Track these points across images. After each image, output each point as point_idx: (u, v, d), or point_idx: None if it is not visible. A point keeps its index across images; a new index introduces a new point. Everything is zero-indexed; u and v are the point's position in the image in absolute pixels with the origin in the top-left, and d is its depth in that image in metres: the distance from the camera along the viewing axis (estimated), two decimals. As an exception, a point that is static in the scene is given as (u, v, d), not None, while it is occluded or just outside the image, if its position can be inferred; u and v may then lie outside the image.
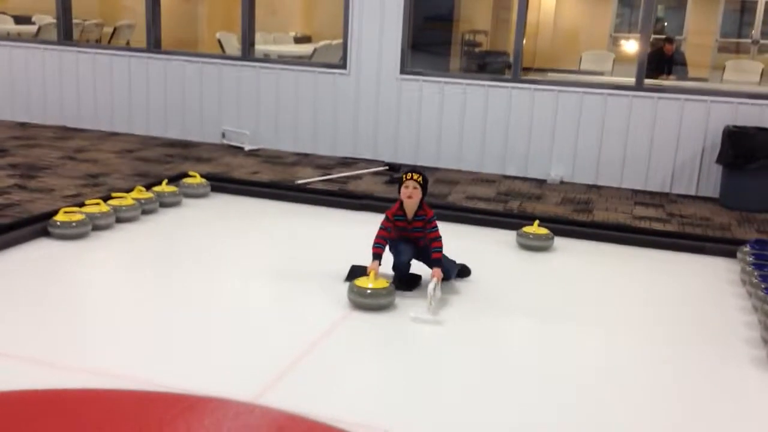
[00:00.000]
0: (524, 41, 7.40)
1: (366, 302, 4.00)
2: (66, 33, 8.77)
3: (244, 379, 3.24)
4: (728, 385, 3.51)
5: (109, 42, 11.76)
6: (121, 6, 13.63)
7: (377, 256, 4.15)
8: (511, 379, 3.47)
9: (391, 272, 4.34)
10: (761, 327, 3.94)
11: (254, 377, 3.25)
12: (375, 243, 4.19)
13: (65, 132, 8.36)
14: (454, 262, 4.40)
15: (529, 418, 3.10)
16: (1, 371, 3.21)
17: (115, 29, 12.04)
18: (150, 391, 3.10)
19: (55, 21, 9.20)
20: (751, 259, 4.86)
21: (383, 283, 4.04)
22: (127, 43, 11.83)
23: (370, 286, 4.00)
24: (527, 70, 9.97)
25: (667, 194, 6.87)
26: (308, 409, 3.00)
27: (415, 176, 4.24)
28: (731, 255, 5.20)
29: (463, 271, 4.49)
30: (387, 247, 4.34)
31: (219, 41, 10.22)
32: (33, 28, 10.63)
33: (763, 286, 4.35)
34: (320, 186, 6.55)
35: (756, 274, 4.58)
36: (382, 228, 4.26)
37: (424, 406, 3.15)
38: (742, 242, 5.25)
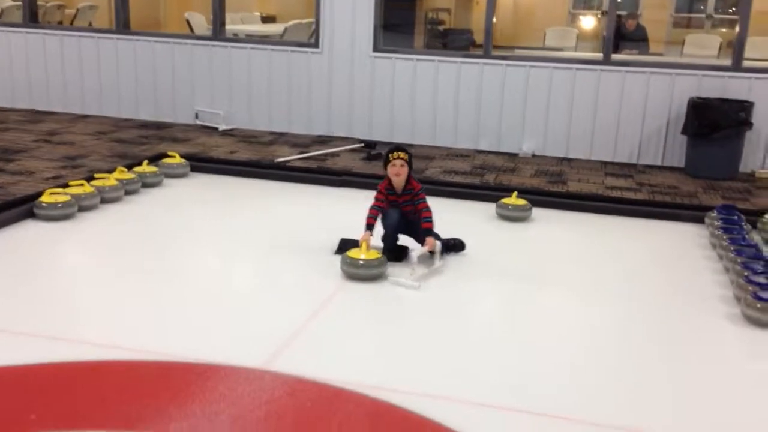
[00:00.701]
0: (484, 19, 7.52)
1: (359, 273, 4.13)
2: (31, 15, 8.64)
3: (251, 348, 3.35)
4: (708, 339, 3.73)
5: (71, 23, 11.56)
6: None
7: (370, 226, 4.29)
8: (494, 340, 3.66)
9: (380, 244, 4.47)
10: (734, 286, 4.18)
11: (260, 347, 3.36)
12: (369, 214, 4.33)
13: (35, 115, 8.26)
14: (439, 237, 4.53)
15: (512, 377, 3.28)
16: (10, 346, 3.28)
17: (77, 11, 11.84)
18: (163, 360, 3.20)
19: (16, 3, 9.03)
20: (719, 223, 5.11)
21: (375, 254, 4.18)
22: (90, 24, 11.65)
23: (362, 257, 4.14)
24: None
25: (635, 165, 7.10)
26: (314, 373, 3.13)
27: (401, 154, 4.38)
28: (699, 221, 5.45)
29: (457, 246, 4.63)
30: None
31: (187, 21, 10.13)
32: (-6, 11, 10.42)
33: (732, 248, 4.60)
34: (299, 164, 6.62)
35: (725, 237, 4.82)
36: (376, 200, 4.40)
37: (421, 367, 3.30)
38: (710, 208, 5.51)
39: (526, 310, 4.04)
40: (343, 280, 4.15)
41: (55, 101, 8.56)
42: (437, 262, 4.29)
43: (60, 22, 11.66)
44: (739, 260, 4.35)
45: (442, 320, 3.81)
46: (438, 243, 4.31)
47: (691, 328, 3.84)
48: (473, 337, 3.65)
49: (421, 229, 4.34)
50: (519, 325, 3.85)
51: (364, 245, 4.16)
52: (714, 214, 5.32)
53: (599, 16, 14.76)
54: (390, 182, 4.42)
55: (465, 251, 4.65)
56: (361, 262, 4.15)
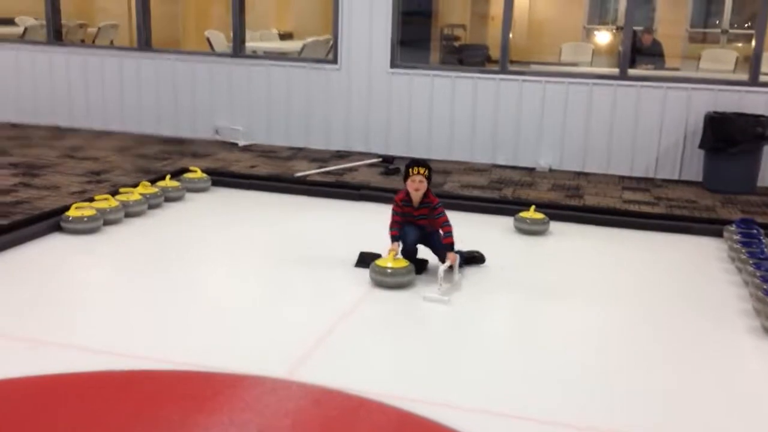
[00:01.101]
0: (500, 35, 7.61)
1: (387, 281, 4.23)
2: (55, 34, 8.82)
3: (274, 358, 3.41)
4: (728, 352, 3.75)
5: (93, 42, 11.76)
6: (97, 7, 13.62)
7: (395, 238, 4.38)
8: (514, 350, 3.70)
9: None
10: (753, 299, 4.19)
11: (284, 356, 3.42)
12: (391, 227, 4.43)
13: (58, 131, 8.41)
14: (461, 251, 4.59)
15: (533, 387, 3.31)
16: (40, 356, 3.36)
17: (98, 30, 12.04)
18: (189, 370, 3.26)
19: (38, 22, 9.21)
20: (738, 237, 5.12)
21: (403, 263, 4.27)
22: (111, 42, 11.84)
23: (390, 265, 4.24)
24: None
25: (652, 179, 7.13)
26: (337, 383, 3.18)
27: (421, 170, 4.44)
28: (718, 234, 5.47)
29: (478, 259, 4.69)
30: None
31: (208, 39, 10.29)
32: (18, 30, 10.61)
33: (751, 261, 4.61)
34: (318, 178, 6.71)
35: (744, 251, 4.84)
36: (394, 213, 4.47)
37: (443, 377, 3.35)
38: (728, 222, 5.52)
39: (545, 322, 4.07)
40: (364, 291, 4.21)
41: (78, 118, 8.71)
42: (456, 276, 4.34)
43: (82, 41, 11.86)
44: (758, 273, 4.37)
45: (463, 332, 3.85)
46: (457, 257, 4.37)
47: (710, 341, 3.86)
48: (494, 347, 3.69)
49: (441, 244, 4.40)
50: (538, 337, 3.89)
51: (391, 254, 4.28)
52: (733, 227, 5.33)
53: (614, 31, 14.81)
54: (407, 194, 4.48)
55: (485, 263, 4.70)
56: (389, 270, 4.24)
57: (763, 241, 5.02)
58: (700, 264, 5.01)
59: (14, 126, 8.64)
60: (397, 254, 4.31)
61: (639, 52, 10.24)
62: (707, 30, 17.84)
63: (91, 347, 3.46)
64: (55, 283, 4.25)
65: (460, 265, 4.54)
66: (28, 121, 8.79)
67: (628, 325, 4.03)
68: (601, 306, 4.27)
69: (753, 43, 7.28)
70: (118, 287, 4.32)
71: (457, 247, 4.43)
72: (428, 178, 4.48)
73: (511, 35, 7.66)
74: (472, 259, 4.64)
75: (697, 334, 3.94)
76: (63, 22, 10.71)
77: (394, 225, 4.43)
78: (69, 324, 3.71)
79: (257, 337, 3.67)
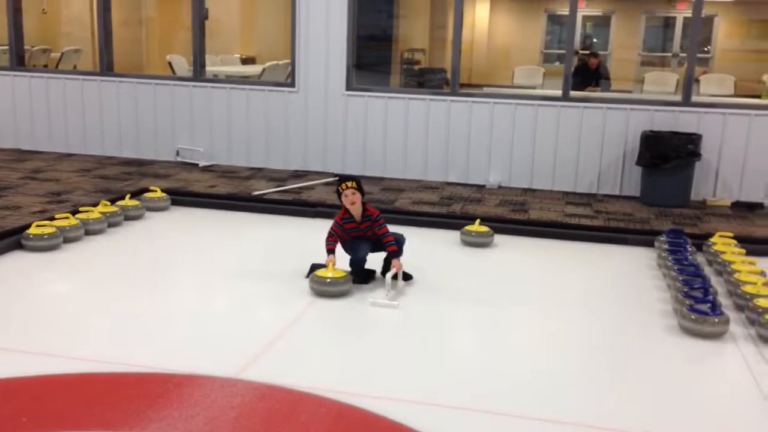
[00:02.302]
0: (460, 58, 7.98)
1: (327, 290, 4.49)
2: (18, 59, 8.99)
3: (225, 361, 3.65)
4: (648, 349, 4.07)
5: (56, 67, 11.92)
6: (62, 32, 13.79)
7: (331, 251, 4.65)
8: (458, 353, 3.99)
9: (347, 268, 4.80)
10: (673, 300, 4.54)
11: (233, 359, 3.66)
12: (327, 241, 4.71)
13: (20, 154, 8.56)
14: (402, 236, 4.87)
15: (475, 380, 3.60)
16: (4, 361, 3.56)
17: (62, 54, 12.21)
18: (140, 372, 3.48)
19: (2, 47, 9.37)
20: (665, 246, 5.48)
21: (341, 273, 4.54)
22: (74, 67, 12.02)
23: (330, 275, 4.51)
24: (463, 85, 10.56)
25: (594, 194, 7.49)
26: (283, 381, 3.43)
27: (350, 183, 4.72)
28: (650, 245, 5.83)
29: (407, 276, 4.94)
30: (342, 246, 4.81)
31: (169, 63, 10.53)
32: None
33: (675, 267, 4.96)
34: (276, 197, 6.96)
35: (670, 258, 5.19)
36: (332, 230, 4.75)
37: (387, 374, 3.62)
38: (659, 233, 5.89)
39: (488, 325, 4.36)
40: (312, 300, 4.47)
41: (40, 141, 8.87)
42: (400, 282, 4.63)
43: (45, 65, 12.03)
44: (680, 278, 4.71)
45: (407, 335, 4.13)
46: (401, 265, 4.65)
47: (634, 338, 4.18)
48: (439, 347, 3.96)
49: (388, 252, 4.68)
50: (482, 338, 4.18)
51: (330, 265, 4.54)
52: (663, 237, 5.69)
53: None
54: (347, 212, 4.74)
55: (424, 270, 5.00)
56: (329, 279, 4.50)
57: (689, 249, 5.39)
58: (631, 272, 5.36)
59: (-24, 149, 8.76)
60: (335, 265, 4.56)
61: (587, 76, 10.71)
62: (659, 54, 18.54)
63: (51, 353, 3.66)
64: (16, 296, 4.44)
65: (402, 279, 4.83)
66: (-10, 145, 8.92)
67: (562, 327, 4.33)
68: (538, 310, 4.57)
69: (685, 65, 7.72)
70: (78, 299, 4.52)
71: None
72: (359, 190, 4.74)
73: (468, 59, 8.01)
74: (405, 276, 4.91)
75: (623, 332, 4.26)
76: (26, 47, 10.87)
77: (330, 239, 4.70)
78: (29, 332, 3.91)
79: (210, 342, 3.89)
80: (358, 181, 4.74)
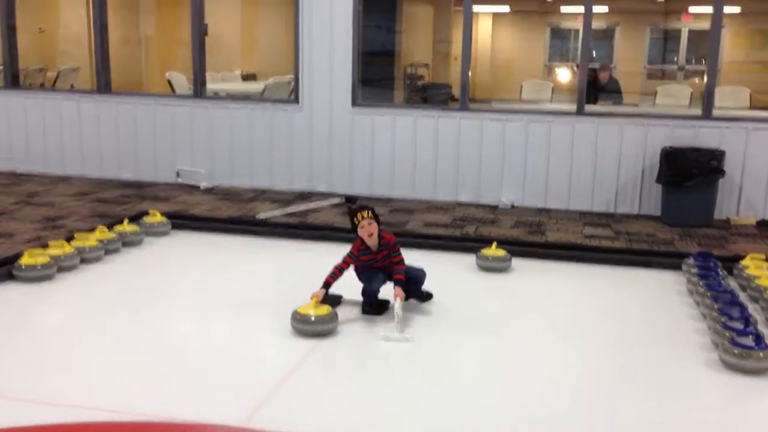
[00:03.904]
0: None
1: (309, 329, 4.08)
2: (13, 79, 8.74)
3: (231, 405, 3.33)
4: (687, 386, 3.75)
5: (53, 86, 11.68)
6: (59, 51, 13.57)
7: (327, 284, 4.31)
8: (475, 389, 3.66)
9: (358, 297, 4.50)
10: (711, 332, 4.22)
11: (242, 402, 3.35)
12: (331, 273, 4.36)
13: (16, 178, 8.28)
14: (422, 270, 4.57)
15: (497, 423, 3.28)
16: (-14, 412, 3.25)
17: (58, 73, 11.98)
18: (143, 421, 3.17)
19: (-3, 68, 9.14)
20: (695, 270, 5.17)
21: (325, 310, 4.16)
22: (71, 86, 11.78)
23: (311, 313, 4.10)
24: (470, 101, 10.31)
25: (612, 214, 7.21)
26: (297, 428, 3.11)
27: (366, 213, 4.40)
28: (677, 268, 5.52)
29: (426, 296, 4.66)
30: (356, 273, 4.51)
31: (169, 81, 10.29)
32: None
33: (709, 294, 4.65)
34: (281, 220, 6.67)
35: (702, 284, 4.88)
36: (344, 262, 4.42)
37: (400, 420, 3.30)
38: (686, 255, 5.58)
39: (506, 359, 4.05)
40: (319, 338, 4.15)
41: (36, 163, 8.60)
42: (400, 312, 4.25)
43: (42, 85, 11.79)
44: (715, 306, 4.40)
45: (426, 371, 3.81)
46: (403, 294, 4.34)
47: (671, 375, 3.86)
48: (453, 388, 3.64)
49: (393, 280, 4.37)
50: (503, 375, 3.85)
51: (313, 301, 4.15)
52: (690, 261, 5.39)
53: (574, 68, 15.14)
54: (363, 243, 4.44)
55: (438, 299, 4.69)
56: (313, 318, 4.13)
57: (720, 273, 5.08)
58: (660, 298, 5.04)
59: (-30, 172, 8.50)
60: (319, 300, 4.19)
61: (597, 89, 10.45)
62: (664, 66, 18.34)
63: (41, 399, 3.34)
64: (4, 333, 4.13)
65: (419, 300, 4.53)
66: (-16, 168, 8.65)
67: (591, 361, 4.02)
68: (564, 342, 4.26)
69: (705, 78, 7.46)
70: (72, 336, 4.20)
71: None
72: (375, 219, 4.44)
73: (473, 73, 7.76)
74: (424, 295, 4.63)
75: (658, 368, 3.94)
76: (21, 66, 10.63)
77: (335, 272, 4.37)
78: (20, 375, 3.59)
79: (215, 383, 3.58)
80: (373, 210, 4.45)
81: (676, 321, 4.60)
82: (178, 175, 8.21)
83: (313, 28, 7.78)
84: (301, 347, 3.99)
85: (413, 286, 4.55)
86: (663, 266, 5.62)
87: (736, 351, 3.82)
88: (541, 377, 3.80)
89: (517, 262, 5.56)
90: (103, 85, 8.45)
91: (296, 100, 7.96)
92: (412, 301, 4.63)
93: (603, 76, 10.74)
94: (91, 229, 5.70)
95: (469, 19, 7.56)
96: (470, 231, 6.41)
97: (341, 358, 3.99)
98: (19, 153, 8.60)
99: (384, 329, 4.22)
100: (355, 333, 4.22)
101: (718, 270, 5.16)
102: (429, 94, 12.49)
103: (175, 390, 3.50)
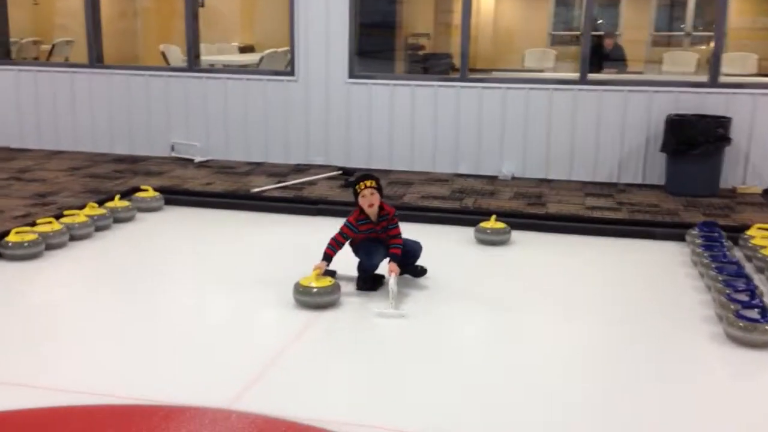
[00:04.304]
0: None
1: (311, 300, 4.05)
2: (4, 52, 8.54)
3: (218, 385, 3.23)
4: (691, 360, 3.63)
5: (48, 59, 11.47)
6: (55, 24, 13.32)
7: (327, 257, 4.21)
8: (475, 371, 3.53)
9: (351, 272, 4.38)
10: (715, 305, 4.09)
11: (228, 384, 3.24)
12: (329, 245, 4.26)
13: (8, 153, 8.13)
14: (419, 243, 4.44)
15: (499, 400, 3.17)
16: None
17: (53, 46, 11.75)
18: (124, 404, 3.07)
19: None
20: (700, 241, 5.03)
21: (327, 281, 4.09)
22: (66, 59, 11.56)
23: (313, 284, 4.06)
24: (470, 70, 10.07)
25: (615, 184, 7.03)
26: (282, 410, 3.00)
27: (369, 182, 4.28)
28: (680, 239, 5.37)
29: (420, 271, 4.53)
30: (352, 249, 4.38)
31: (162, 53, 10.07)
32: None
33: (713, 266, 4.51)
34: (275, 193, 6.52)
35: (706, 254, 4.74)
36: (341, 233, 4.29)
37: (395, 399, 3.19)
38: (690, 226, 5.43)
39: (507, 333, 3.94)
40: (316, 312, 4.04)
41: (29, 138, 8.44)
42: (395, 287, 4.14)
43: (36, 58, 11.58)
44: (720, 278, 4.27)
45: (419, 349, 3.69)
46: (398, 269, 4.22)
47: (674, 348, 3.74)
48: (450, 365, 3.53)
49: (389, 253, 4.25)
50: (501, 350, 3.74)
51: (315, 273, 4.10)
52: (695, 231, 5.25)
53: (579, 37, 14.79)
54: (362, 212, 4.32)
55: (435, 273, 4.58)
56: (315, 289, 4.05)
57: (725, 244, 4.94)
58: (663, 270, 4.91)
59: (-37, 148, 8.36)
60: (321, 273, 4.13)
61: (602, 57, 10.20)
62: (671, 33, 17.98)
63: (22, 382, 3.25)
64: (-11, 313, 4.03)
65: (414, 275, 4.42)
66: (-23, 143, 8.50)
67: (593, 336, 3.91)
68: (564, 316, 4.14)
69: (712, 44, 7.24)
70: (57, 316, 4.09)
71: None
72: (378, 189, 4.32)
73: (475, 43, 7.55)
74: (418, 271, 4.50)
75: (661, 341, 3.82)
76: (15, 38, 10.42)
77: (333, 244, 4.26)
78: (2, 359, 3.49)
79: (203, 364, 3.48)
80: (377, 180, 4.32)
81: (680, 293, 4.47)
82: (172, 148, 8.05)
83: (309, -2, 7.57)
84: (292, 326, 3.88)
85: (409, 260, 4.43)
86: (666, 237, 5.48)
87: (741, 324, 3.70)
88: (540, 353, 3.68)
89: (516, 235, 5.43)
90: (95, 57, 8.26)
91: (292, 72, 7.76)
92: (407, 276, 4.51)
93: (608, 43, 10.49)
94: (82, 206, 5.59)
95: (468, -15, 7.34)
96: (469, 203, 6.26)
97: (334, 336, 3.87)
98: (11, 128, 8.43)
99: (379, 305, 4.11)
100: (349, 310, 4.12)
101: (723, 240, 5.02)
102: (429, 65, 12.25)
103: (159, 372, 3.39)
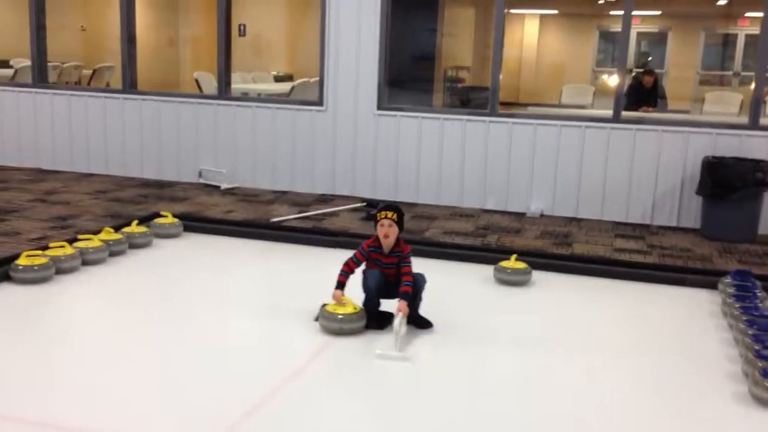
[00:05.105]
0: (508, 76, 7.38)
1: (341, 327, 4.01)
2: (41, 75, 8.70)
3: (213, 421, 3.11)
4: (710, 420, 3.37)
5: (89, 83, 11.70)
6: (104, 48, 13.62)
7: (341, 284, 4.10)
8: (485, 416, 3.32)
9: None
10: (742, 360, 3.82)
11: (222, 419, 3.11)
12: (341, 271, 4.14)
13: (40, 174, 8.23)
14: (422, 276, 4.25)
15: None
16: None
17: (94, 71, 11.99)
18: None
19: (30, 63, 9.11)
20: (731, 290, 4.75)
21: (352, 308, 4.04)
22: (107, 84, 11.78)
23: (340, 311, 4.02)
24: (511, 104, 9.93)
25: (647, 226, 6.77)
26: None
27: (390, 214, 4.15)
28: (712, 286, 5.10)
29: (424, 323, 4.32)
30: (361, 282, 4.23)
31: (196, 81, 10.17)
32: (10, 72, 10.56)
33: (744, 318, 4.24)
34: (295, 224, 6.43)
35: (737, 305, 4.47)
36: (353, 258, 4.17)
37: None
38: (723, 273, 5.15)
39: (518, 384, 3.71)
40: (319, 347, 3.89)
41: (61, 160, 8.54)
42: (403, 329, 3.96)
43: (77, 82, 11.82)
44: (750, 332, 4.00)
45: (424, 395, 3.50)
46: (407, 310, 4.03)
47: (694, 406, 3.49)
48: (455, 412, 3.33)
49: (398, 292, 4.07)
50: (513, 399, 3.52)
51: (342, 299, 4.06)
52: (728, 279, 4.97)
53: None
54: (377, 240, 4.20)
55: (449, 313, 4.40)
56: (341, 316, 3.98)
57: (758, 295, 4.65)
58: (691, 319, 4.65)
59: (-3, 168, 8.50)
60: (342, 301, 4.06)
61: (641, 95, 9.97)
62: (719, 72, 17.59)
63: (25, 418, 3.13)
64: (-12, 337, 3.96)
65: (419, 326, 4.22)
66: (11, 164, 8.63)
67: (611, 387, 3.67)
68: (582, 363, 3.91)
69: (753, 85, 6.97)
70: (61, 345, 4.00)
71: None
72: (398, 223, 4.18)
73: (515, 78, 7.42)
74: (423, 322, 4.28)
75: (682, 398, 3.56)
76: (56, 63, 10.66)
77: (345, 269, 4.15)
78: (4, 392, 3.40)
79: (199, 396, 3.35)
80: (401, 213, 4.19)
81: (706, 345, 4.20)
82: (200, 175, 8.05)
83: (340, 28, 7.53)
84: (295, 361, 3.74)
85: (412, 292, 4.22)
86: (698, 284, 5.21)
87: (767, 383, 3.43)
88: (556, 403, 3.46)
89: (538, 275, 5.22)
90: (129, 83, 8.35)
91: (320, 102, 7.72)
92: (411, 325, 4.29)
93: (648, 81, 10.25)
94: (98, 231, 5.56)
95: (501, 21, 7.22)
96: (492, 241, 6.07)
97: (337, 375, 3.71)
98: (45, 150, 8.56)
99: (381, 346, 3.94)
100: (348, 348, 3.95)
101: (757, 291, 4.73)
102: (469, 97, 12.16)
103: (156, 405, 3.27)
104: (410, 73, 11.36)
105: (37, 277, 4.79)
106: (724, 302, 4.72)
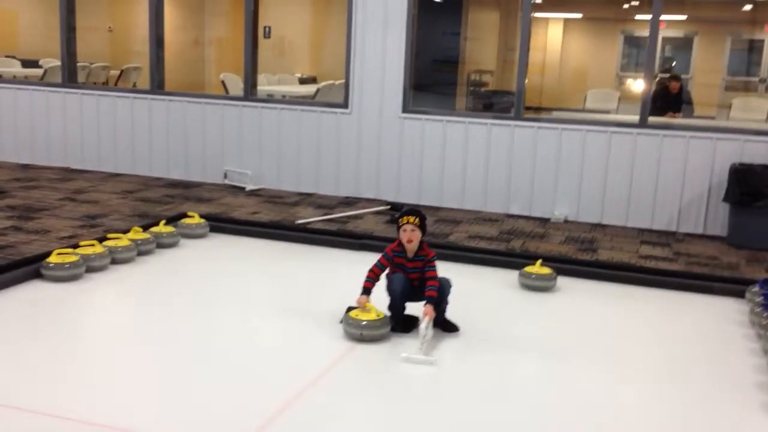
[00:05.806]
0: (531, 80, 7.37)
1: (362, 334, 4.01)
2: (70, 75, 8.82)
3: (240, 419, 3.14)
4: (738, 431, 3.36)
5: (116, 84, 11.83)
6: (128, 50, 13.78)
7: (367, 290, 4.12)
8: (508, 423, 3.33)
9: (386, 312, 4.24)
10: (771, 370, 3.80)
11: (249, 418, 3.15)
12: (367, 277, 4.17)
13: (68, 173, 8.35)
14: (448, 280, 4.26)
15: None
16: (7, 424, 3.10)
17: (121, 72, 12.13)
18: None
19: (59, 63, 9.24)
20: (760, 299, 4.71)
21: (378, 314, 4.05)
22: (134, 85, 11.91)
23: (364, 318, 4.02)
24: (533, 109, 9.92)
25: (674, 233, 6.73)
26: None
27: (412, 219, 4.19)
28: (740, 295, 5.06)
29: (451, 326, 4.34)
30: (386, 287, 4.25)
31: (222, 82, 10.25)
32: (39, 71, 10.71)
33: (772, 327, 4.21)
34: (319, 226, 6.46)
35: (765, 315, 4.43)
36: (378, 264, 4.20)
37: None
38: (751, 282, 5.11)
39: (541, 391, 3.71)
40: (344, 350, 3.91)
41: (89, 160, 8.65)
42: (429, 333, 3.99)
43: (105, 83, 11.96)
44: (778, 342, 3.97)
45: (453, 397, 3.52)
46: (433, 314, 4.06)
47: (719, 417, 3.47)
48: (477, 419, 3.34)
49: (424, 296, 4.10)
50: (533, 408, 3.53)
51: (366, 305, 4.07)
52: (755, 288, 4.93)
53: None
54: (400, 245, 4.23)
55: (473, 319, 4.40)
56: (364, 322, 3.99)
57: (787, 304, 4.61)
58: (718, 328, 4.62)
59: (25, 167, 8.61)
60: (366, 307, 4.08)
61: (667, 100, 9.91)
62: (745, 78, 17.41)
63: (56, 413, 3.17)
64: (25, 335, 4.02)
65: (444, 330, 4.24)
66: (41, 163, 8.75)
67: (635, 395, 3.66)
68: (605, 370, 3.90)
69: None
70: (90, 341, 4.08)
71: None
72: (421, 228, 4.21)
73: (539, 82, 7.42)
74: (449, 326, 4.30)
75: (706, 408, 3.54)
76: (85, 63, 10.79)
77: (371, 275, 4.18)
78: (32, 385, 3.45)
79: (222, 400, 3.38)
80: (423, 218, 4.22)
81: (733, 355, 4.17)
82: (225, 176, 8.12)
83: (366, 32, 7.57)
84: (320, 364, 3.76)
85: (437, 296, 4.24)
86: (725, 292, 5.18)
87: (797, 395, 3.41)
88: (578, 412, 3.46)
89: (563, 281, 5.21)
90: (156, 84, 8.44)
91: (345, 105, 7.76)
92: (437, 327, 4.31)
93: (674, 87, 10.19)
94: (126, 230, 5.63)
95: (527, 24, 7.22)
96: (516, 246, 6.06)
97: (361, 380, 3.73)
98: (73, 149, 8.67)
99: (409, 349, 3.95)
100: (373, 352, 3.97)
101: (786, 300, 4.69)
102: (493, 102, 12.14)
103: (180, 407, 3.30)
104: (434, 77, 11.39)
105: (68, 275, 4.86)
106: (752, 311, 4.68)
